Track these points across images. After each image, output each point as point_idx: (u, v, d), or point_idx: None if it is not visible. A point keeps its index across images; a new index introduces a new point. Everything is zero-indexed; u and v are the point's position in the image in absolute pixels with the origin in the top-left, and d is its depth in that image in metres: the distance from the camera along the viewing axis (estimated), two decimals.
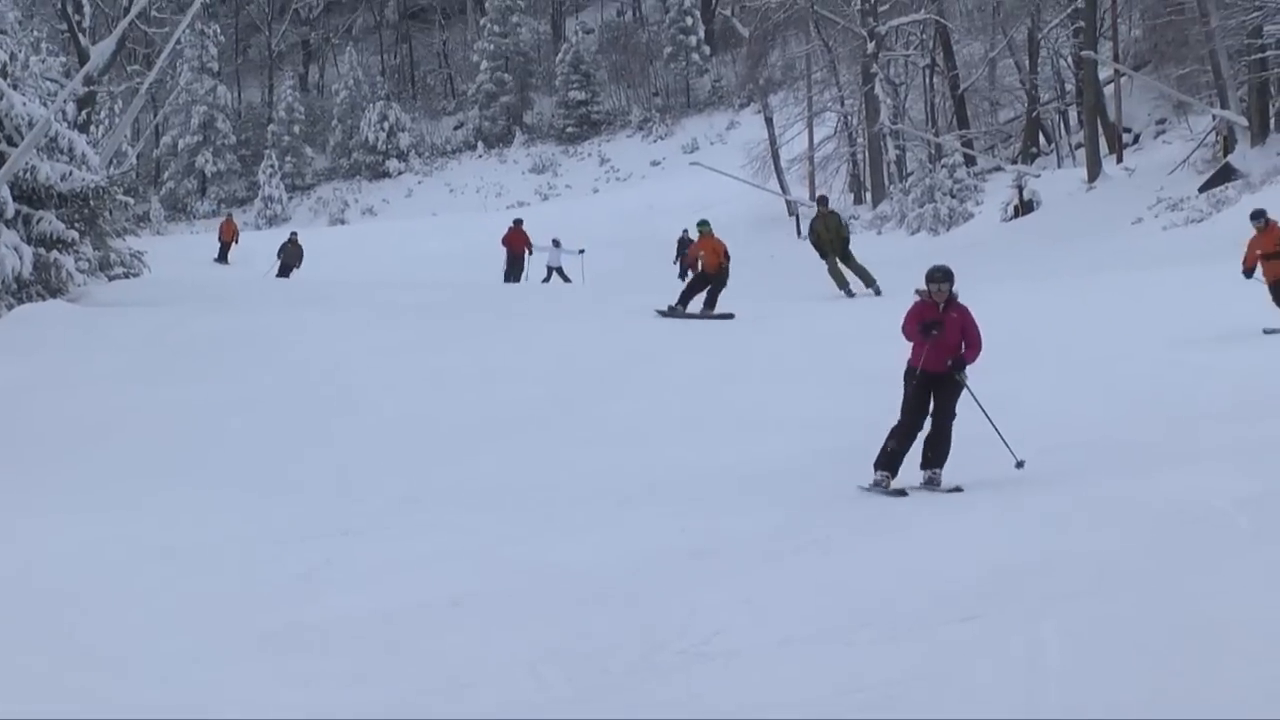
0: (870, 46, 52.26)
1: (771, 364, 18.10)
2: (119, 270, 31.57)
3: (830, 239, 26.70)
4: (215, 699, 6.28)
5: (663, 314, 23.17)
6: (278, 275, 40.32)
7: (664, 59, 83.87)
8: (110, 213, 30.20)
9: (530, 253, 39.54)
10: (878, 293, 24.89)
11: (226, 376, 17.99)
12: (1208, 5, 39.92)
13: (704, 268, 24.17)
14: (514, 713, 5.63)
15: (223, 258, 44.87)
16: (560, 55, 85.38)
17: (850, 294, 25.65)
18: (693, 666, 6.06)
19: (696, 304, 23.69)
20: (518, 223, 41.21)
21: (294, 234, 45.20)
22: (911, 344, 11.87)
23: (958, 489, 11.14)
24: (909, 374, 12.14)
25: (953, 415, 11.90)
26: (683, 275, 39.91)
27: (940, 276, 12.14)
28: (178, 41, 30.91)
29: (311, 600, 8.42)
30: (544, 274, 41.49)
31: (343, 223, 68.91)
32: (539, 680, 6.07)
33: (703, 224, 25.73)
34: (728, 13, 73.02)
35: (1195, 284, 20.15)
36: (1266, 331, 17.41)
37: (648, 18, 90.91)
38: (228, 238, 45.94)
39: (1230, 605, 6.00)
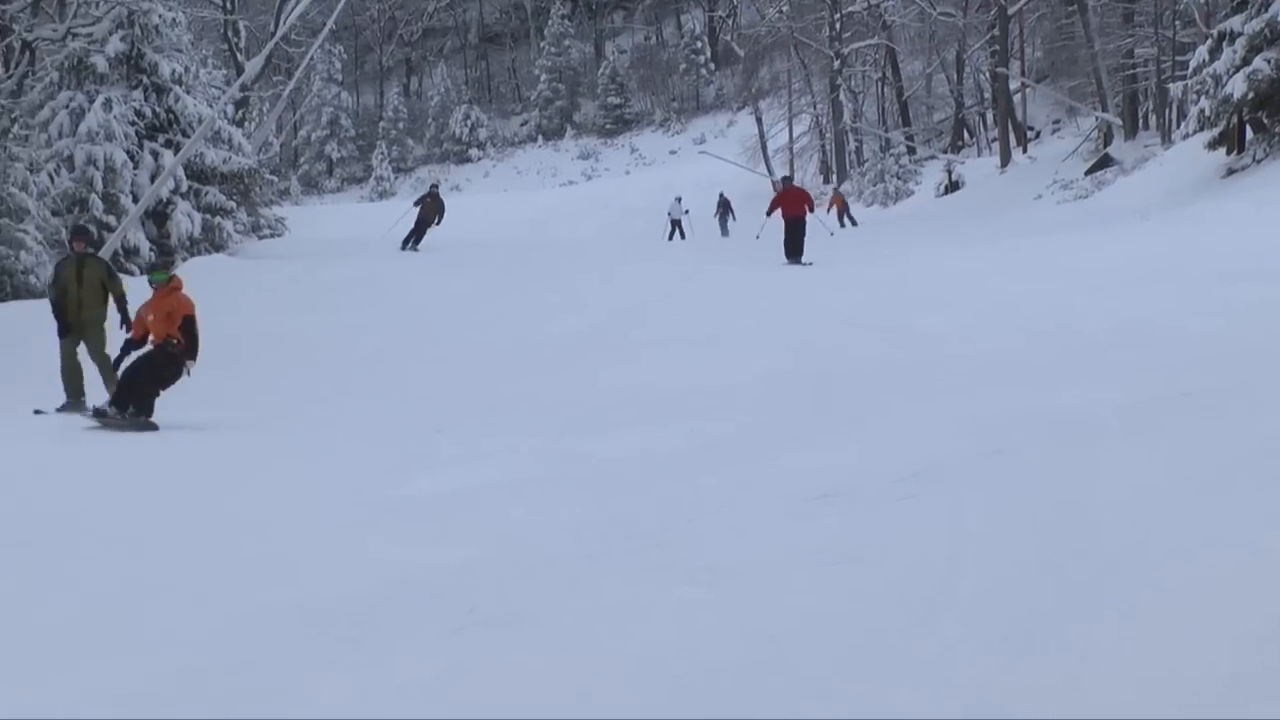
0: (836, 64, 52.23)
1: (753, 308, 18.02)
2: (266, 231, 31.83)
3: (80, 297, 12.55)
4: (334, 551, 6.28)
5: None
6: (412, 231, 28.12)
7: (680, 72, 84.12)
8: (260, 188, 30.50)
9: (810, 209, 23.65)
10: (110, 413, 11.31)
11: (345, 309, 17.98)
12: (1092, 33, 40.35)
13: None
14: (560, 562, 5.61)
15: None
16: (601, 70, 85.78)
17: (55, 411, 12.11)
18: (701, 532, 6.03)
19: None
20: (787, 180, 27.12)
21: (434, 186, 31.85)
22: None
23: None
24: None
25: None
26: (724, 228, 37.94)
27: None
28: (311, 58, 30.90)
29: (408, 481, 8.41)
30: (668, 229, 36.43)
31: None
32: (578, 539, 6.05)
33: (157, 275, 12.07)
34: (729, 38, 74.21)
35: (1081, 245, 20.00)
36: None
37: (668, 41, 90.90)
38: (840, 205, 36.88)
39: (1102, 487, 6.01)
